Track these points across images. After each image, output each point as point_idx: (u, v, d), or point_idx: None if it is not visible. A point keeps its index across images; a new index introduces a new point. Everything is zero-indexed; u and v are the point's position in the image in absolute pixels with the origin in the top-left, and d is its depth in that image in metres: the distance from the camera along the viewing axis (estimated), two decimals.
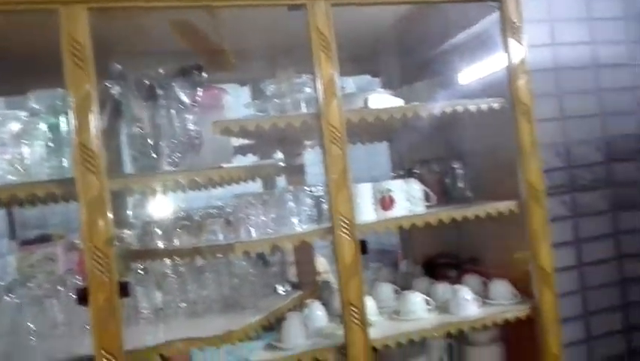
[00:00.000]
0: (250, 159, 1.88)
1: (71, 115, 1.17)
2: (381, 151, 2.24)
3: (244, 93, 1.99)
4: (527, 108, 1.49)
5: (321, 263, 2.02)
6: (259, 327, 1.36)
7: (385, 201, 1.52)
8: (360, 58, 1.89)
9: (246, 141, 1.82)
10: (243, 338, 1.30)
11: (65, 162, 1.29)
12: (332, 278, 1.81)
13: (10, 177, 1.26)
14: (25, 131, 1.30)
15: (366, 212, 1.49)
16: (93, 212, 1.16)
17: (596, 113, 2.23)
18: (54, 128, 1.32)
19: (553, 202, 2.17)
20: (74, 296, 1.19)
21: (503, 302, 1.59)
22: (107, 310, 1.14)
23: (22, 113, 1.32)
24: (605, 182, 2.24)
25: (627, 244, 2.24)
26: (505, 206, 1.54)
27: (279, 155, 1.86)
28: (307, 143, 1.82)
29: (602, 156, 2.23)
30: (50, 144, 1.31)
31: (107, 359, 1.13)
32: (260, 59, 1.79)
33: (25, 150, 1.29)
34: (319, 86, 1.35)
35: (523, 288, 1.57)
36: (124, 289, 1.17)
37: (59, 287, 1.36)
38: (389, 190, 1.53)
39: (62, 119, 1.31)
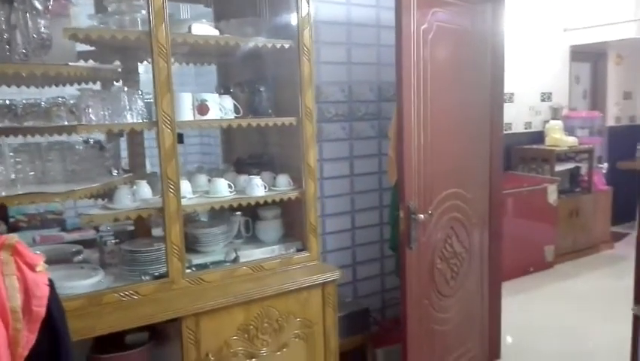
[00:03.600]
0: (91, 64, 2.21)
1: None
2: (210, 72, 2.73)
3: (89, 5, 2.29)
4: (309, 51, 2.09)
5: None
6: (94, 192, 1.81)
7: (202, 108, 2.03)
8: None
9: (88, 48, 2.15)
10: (82, 196, 1.75)
11: None
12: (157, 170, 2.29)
13: None
14: None
15: (186, 114, 1.99)
16: None
17: (374, 62, 2.98)
18: None
19: (336, 127, 2.90)
20: None
21: (284, 189, 2.24)
22: None
23: None
24: (375, 115, 3.03)
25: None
26: (288, 120, 2.16)
27: (117, 63, 2.23)
28: (141, 55, 2.21)
29: (374, 96, 3.00)
30: None
31: None
32: None
33: None
34: (152, 10, 1.77)
35: (297, 179, 2.24)
36: None
37: None
38: (205, 100, 2.04)
39: None
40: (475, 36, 2.61)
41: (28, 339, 1.27)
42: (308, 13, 2.08)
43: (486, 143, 2.79)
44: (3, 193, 1.66)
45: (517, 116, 5.01)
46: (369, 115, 3.00)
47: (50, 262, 1.97)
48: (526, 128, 5.15)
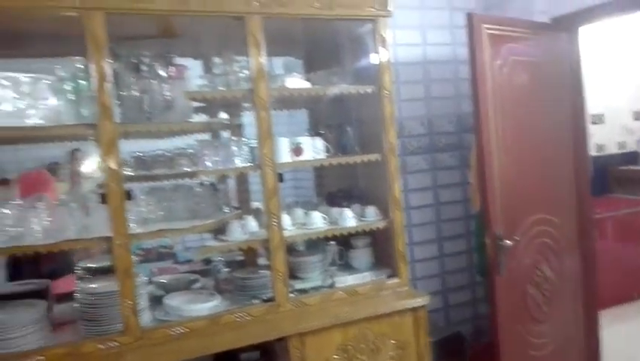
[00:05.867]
0: (202, 117, 2.58)
1: (92, 80, 1.83)
2: (301, 115, 3.03)
3: (197, 65, 2.68)
4: (389, 93, 2.31)
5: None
6: (212, 227, 2.12)
7: (297, 150, 2.30)
8: (287, 44, 2.62)
9: (199, 104, 2.52)
10: (202, 230, 2.05)
11: (85, 112, 1.94)
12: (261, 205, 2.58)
13: (39, 120, 1.90)
14: (55, 88, 1.94)
15: (284, 156, 2.26)
16: (110, 145, 1.84)
17: (452, 95, 3.13)
18: (76, 87, 1.96)
19: (418, 159, 3.06)
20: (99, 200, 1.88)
21: (373, 219, 2.43)
22: (119, 207, 1.85)
23: (51, 77, 1.96)
24: (456, 146, 3.15)
25: None
26: (374, 157, 2.37)
27: (224, 115, 2.57)
28: (245, 107, 2.54)
29: (453, 128, 3.14)
30: (71, 97, 1.96)
31: (119, 235, 1.84)
32: (211, 42, 2.48)
33: (53, 102, 1.93)
34: (253, 70, 2.08)
35: (385, 210, 2.42)
36: (128, 195, 1.88)
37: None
38: (299, 143, 2.30)
39: (82, 82, 1.95)
40: (551, 64, 2.69)
41: None
42: (387, 59, 2.30)
43: (570, 166, 2.81)
44: (139, 230, 2.00)
45: (609, 137, 4.87)
46: (450, 146, 3.13)
47: (174, 289, 2.31)
48: (620, 149, 4.97)
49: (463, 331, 3.01)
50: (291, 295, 2.19)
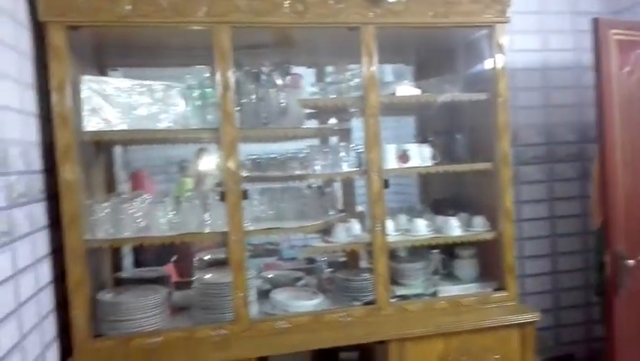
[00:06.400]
0: (313, 123, 2.69)
1: (217, 87, 1.99)
2: (408, 123, 3.03)
3: (309, 73, 2.79)
4: (504, 100, 2.23)
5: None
6: (318, 228, 2.21)
7: (403, 157, 2.31)
8: (397, 51, 2.65)
9: (311, 111, 2.63)
10: (309, 231, 2.15)
11: (210, 117, 2.12)
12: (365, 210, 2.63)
13: (170, 124, 2.12)
14: (184, 95, 2.15)
15: (390, 163, 2.28)
16: (230, 148, 2.00)
17: (575, 104, 2.93)
18: (202, 94, 2.15)
19: (533, 169, 2.91)
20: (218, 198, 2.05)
21: (480, 229, 2.36)
22: (236, 205, 2.00)
23: (181, 85, 2.17)
24: (577, 157, 2.95)
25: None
26: (484, 166, 2.30)
27: (333, 121, 2.66)
28: (353, 114, 2.60)
29: (575, 138, 2.94)
30: (198, 103, 2.16)
31: (235, 231, 1.99)
32: (323, 51, 2.58)
33: (181, 108, 2.15)
34: (364, 78, 2.13)
35: (493, 220, 2.34)
36: (244, 195, 2.02)
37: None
38: (406, 150, 2.31)
39: (208, 89, 2.14)
40: None
41: None
42: (503, 65, 2.23)
43: None
44: (252, 227, 2.13)
45: None
46: (570, 156, 2.95)
47: (279, 285, 2.43)
48: None
49: (575, 353, 2.81)
50: (392, 300, 2.21)
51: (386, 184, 2.17)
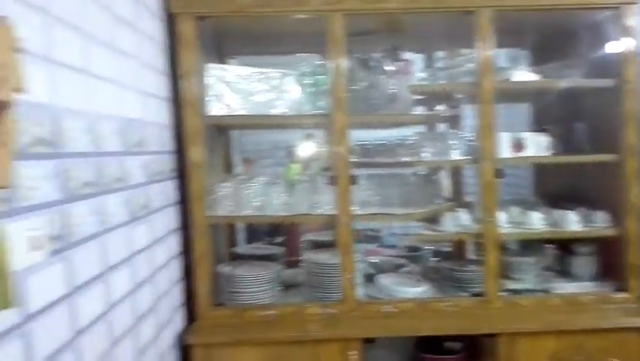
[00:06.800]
0: (420, 110, 2.66)
1: (329, 74, 2.05)
2: (522, 110, 2.89)
3: (418, 59, 2.76)
4: (632, 87, 2.06)
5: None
6: (424, 216, 2.20)
7: (518, 146, 2.22)
8: (513, 35, 2.52)
9: (419, 97, 2.61)
10: (414, 219, 2.15)
11: (322, 103, 2.19)
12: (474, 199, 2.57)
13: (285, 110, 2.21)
14: (298, 82, 2.23)
15: (504, 151, 2.21)
16: (340, 134, 2.05)
17: None
18: (315, 81, 2.22)
19: None
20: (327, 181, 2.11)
21: (601, 225, 2.22)
22: (345, 189, 2.05)
23: (295, 72, 2.26)
24: None
25: None
26: (608, 157, 2.15)
27: (442, 108, 2.61)
28: (463, 100, 2.54)
29: None
30: (311, 90, 2.23)
31: (344, 214, 2.05)
32: (434, 36, 2.53)
33: (295, 94, 2.23)
34: (479, 64, 2.07)
35: (617, 217, 2.19)
36: (353, 180, 2.07)
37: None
38: (521, 138, 2.22)
39: (320, 76, 2.21)
40: None
41: None
42: (633, 50, 2.06)
43: None
44: (359, 211, 2.18)
45: None
46: None
47: (383, 270, 2.46)
48: None
49: None
50: (502, 293, 2.15)
51: (499, 174, 2.11)
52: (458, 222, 2.25)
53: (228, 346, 1.98)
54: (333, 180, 2.07)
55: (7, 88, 0.90)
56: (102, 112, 1.38)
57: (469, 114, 2.54)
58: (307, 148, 2.66)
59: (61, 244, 1.13)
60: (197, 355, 1.95)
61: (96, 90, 1.36)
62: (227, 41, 2.55)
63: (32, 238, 1.00)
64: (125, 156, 1.54)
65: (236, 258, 2.51)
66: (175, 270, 2.00)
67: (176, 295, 2.01)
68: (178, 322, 2.01)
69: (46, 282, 1.06)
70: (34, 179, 1.03)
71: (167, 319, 1.87)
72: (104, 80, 1.40)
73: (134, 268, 1.56)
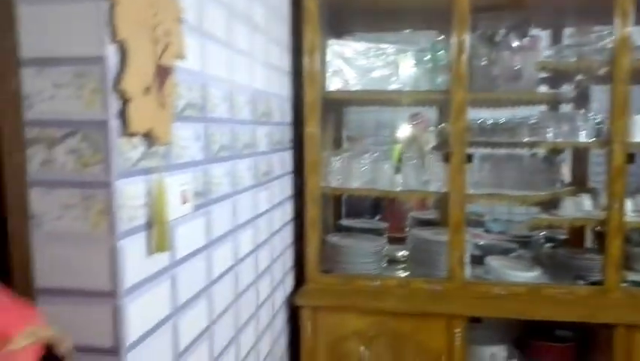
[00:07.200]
0: (544, 89, 2.53)
1: (449, 51, 2.01)
2: None
3: (544, 36, 2.60)
4: None
5: None
6: (542, 199, 2.11)
7: None
8: None
9: (542, 75, 2.47)
10: (531, 202, 2.07)
11: (439, 80, 2.16)
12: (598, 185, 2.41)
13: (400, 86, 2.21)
14: (415, 58, 2.22)
15: (638, 135, 2.04)
16: (459, 111, 2.01)
17: None
18: (434, 57, 2.20)
19: None
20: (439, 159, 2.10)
21: None
22: (460, 167, 2.02)
23: (412, 48, 2.24)
24: None
25: None
26: None
27: (566, 87, 2.46)
28: (593, 80, 2.37)
29: None
30: (428, 66, 2.21)
31: (457, 192, 2.03)
32: (564, 12, 2.38)
33: (412, 70, 2.22)
34: (616, 41, 1.92)
35: None
36: (469, 158, 2.03)
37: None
38: None
39: (440, 52, 2.18)
40: None
41: None
42: None
43: None
44: (472, 191, 2.14)
45: None
46: None
47: (491, 253, 2.41)
48: None
49: None
50: (623, 284, 2.02)
51: (631, 158, 1.96)
52: (580, 207, 2.14)
53: (335, 310, 2.06)
54: (446, 158, 2.05)
55: (171, 54, 1.00)
56: (238, 82, 1.49)
57: (597, 95, 2.38)
58: (414, 128, 2.64)
59: (203, 200, 1.25)
60: (305, 316, 2.06)
61: (235, 61, 1.46)
62: (346, 18, 2.58)
63: (183, 192, 1.12)
64: (254, 125, 1.65)
65: (342, 230, 2.58)
66: (287, 235, 2.11)
67: (289, 259, 2.13)
68: (288, 284, 2.14)
69: (191, 233, 1.19)
70: (186, 139, 1.15)
71: (279, 280, 1.99)
72: (240, 52, 1.51)
73: (256, 229, 1.68)
